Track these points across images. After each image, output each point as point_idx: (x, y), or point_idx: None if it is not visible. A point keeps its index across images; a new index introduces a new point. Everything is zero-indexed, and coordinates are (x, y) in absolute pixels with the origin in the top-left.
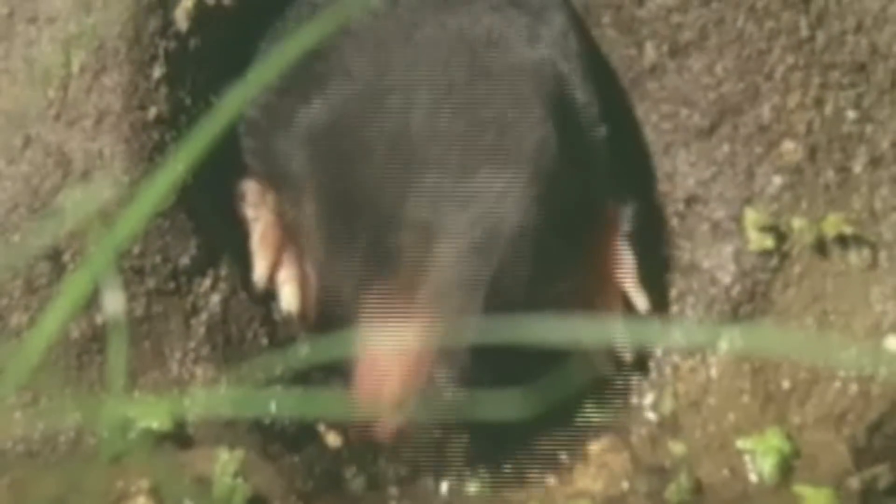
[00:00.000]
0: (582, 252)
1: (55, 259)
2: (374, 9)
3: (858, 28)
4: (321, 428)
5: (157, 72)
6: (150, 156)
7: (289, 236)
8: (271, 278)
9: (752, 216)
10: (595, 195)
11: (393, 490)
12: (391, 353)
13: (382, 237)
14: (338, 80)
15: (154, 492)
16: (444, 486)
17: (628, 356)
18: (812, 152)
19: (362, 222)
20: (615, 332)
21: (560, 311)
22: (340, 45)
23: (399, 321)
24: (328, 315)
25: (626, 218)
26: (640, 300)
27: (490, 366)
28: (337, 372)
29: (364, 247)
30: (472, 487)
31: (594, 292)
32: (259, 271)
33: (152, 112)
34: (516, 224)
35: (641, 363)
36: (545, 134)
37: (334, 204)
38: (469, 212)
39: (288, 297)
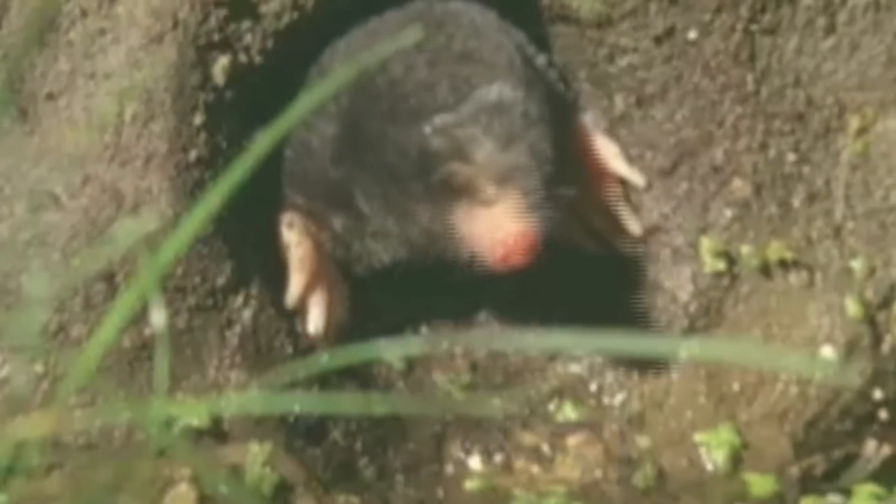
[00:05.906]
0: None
1: (109, 280)
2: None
3: (797, 83)
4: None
5: (198, 120)
6: (191, 192)
7: (324, 265)
8: (302, 300)
9: (706, 243)
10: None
11: (399, 478)
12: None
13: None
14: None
15: (194, 479)
16: (444, 474)
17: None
18: (758, 189)
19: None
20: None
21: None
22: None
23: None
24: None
25: (595, 118)
26: (636, 177)
27: None
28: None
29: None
30: (468, 475)
31: (594, 186)
32: (293, 291)
33: (193, 154)
34: (524, 112)
35: None
36: (510, 54)
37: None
38: (486, 115)
39: (316, 320)
